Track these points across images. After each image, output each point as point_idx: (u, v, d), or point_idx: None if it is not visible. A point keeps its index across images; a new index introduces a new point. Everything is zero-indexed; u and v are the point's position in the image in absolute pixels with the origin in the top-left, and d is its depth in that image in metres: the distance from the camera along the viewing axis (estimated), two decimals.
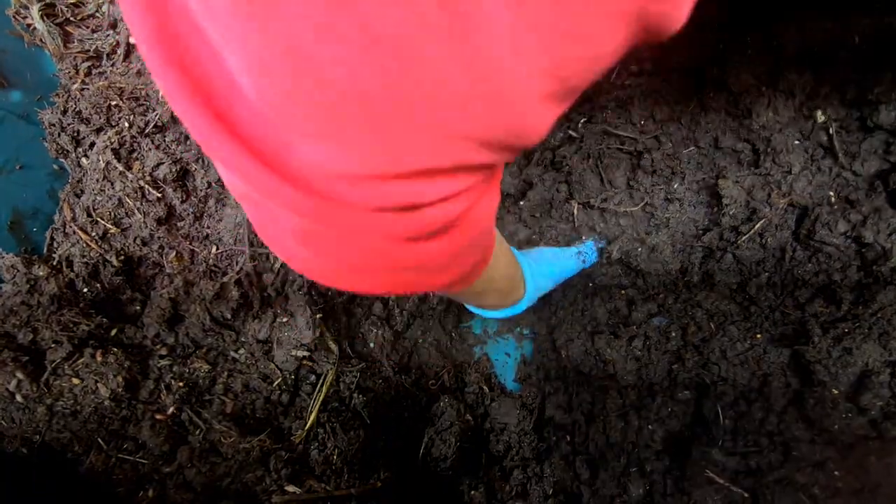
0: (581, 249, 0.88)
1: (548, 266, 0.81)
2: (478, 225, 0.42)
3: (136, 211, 0.77)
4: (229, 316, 0.75)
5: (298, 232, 0.36)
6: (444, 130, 0.27)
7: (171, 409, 0.66)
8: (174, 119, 0.77)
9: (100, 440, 0.63)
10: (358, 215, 0.32)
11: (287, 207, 0.32)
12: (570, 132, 0.93)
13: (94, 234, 0.77)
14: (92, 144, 0.79)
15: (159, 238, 0.78)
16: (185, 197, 0.79)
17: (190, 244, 0.79)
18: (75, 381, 0.64)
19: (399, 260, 0.39)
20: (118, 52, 0.78)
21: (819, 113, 0.76)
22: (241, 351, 0.75)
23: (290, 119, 0.27)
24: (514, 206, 0.98)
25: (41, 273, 0.71)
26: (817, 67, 0.77)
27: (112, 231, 0.77)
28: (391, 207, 0.32)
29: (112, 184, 0.76)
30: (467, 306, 0.79)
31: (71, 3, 0.79)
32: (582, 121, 0.93)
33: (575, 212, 0.94)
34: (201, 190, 0.80)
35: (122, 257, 0.77)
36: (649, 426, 0.74)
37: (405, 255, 0.38)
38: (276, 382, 0.73)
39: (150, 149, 0.78)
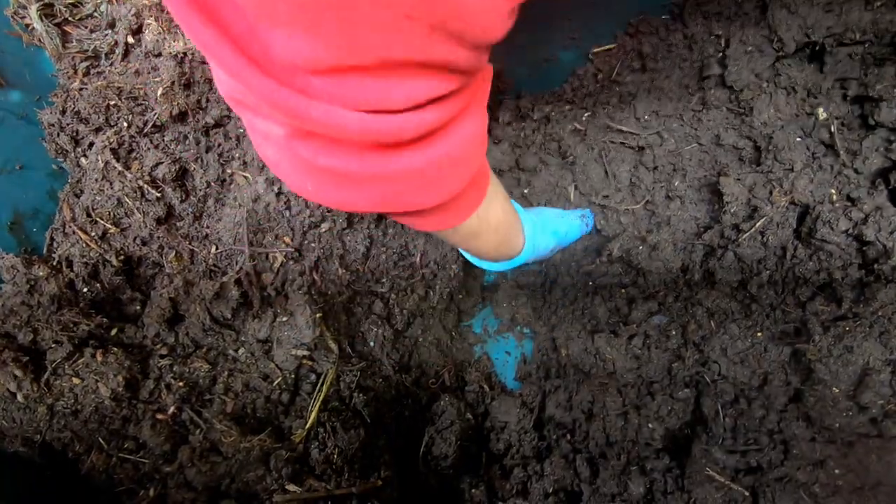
0: (584, 213, 0.89)
1: (550, 222, 0.81)
2: (460, 142, 0.42)
3: (135, 211, 0.77)
4: (229, 315, 0.75)
5: (288, 138, 0.38)
6: (386, 12, 0.29)
7: (171, 409, 0.66)
8: (173, 118, 0.77)
9: (100, 440, 0.63)
10: (331, 112, 0.34)
11: (270, 104, 0.34)
12: (576, 125, 0.93)
13: (93, 234, 0.77)
14: (91, 144, 0.79)
15: (159, 238, 0.78)
16: (184, 196, 0.79)
17: (189, 244, 0.79)
18: (76, 380, 0.64)
19: (378, 167, 0.40)
20: (116, 51, 0.78)
21: (820, 110, 0.76)
22: (241, 350, 0.75)
23: (263, 9, 0.29)
24: (518, 190, 0.98)
25: (41, 273, 0.71)
26: (818, 64, 0.77)
27: (112, 231, 0.77)
28: (362, 107, 0.34)
29: (111, 184, 0.76)
30: (464, 254, 0.78)
31: (69, 3, 0.78)
32: (585, 115, 0.93)
33: (572, 199, 0.94)
34: (200, 189, 0.80)
35: (122, 257, 0.77)
36: (649, 424, 0.74)
37: (384, 163, 0.40)
38: (276, 382, 0.73)
39: (148, 148, 0.78)
